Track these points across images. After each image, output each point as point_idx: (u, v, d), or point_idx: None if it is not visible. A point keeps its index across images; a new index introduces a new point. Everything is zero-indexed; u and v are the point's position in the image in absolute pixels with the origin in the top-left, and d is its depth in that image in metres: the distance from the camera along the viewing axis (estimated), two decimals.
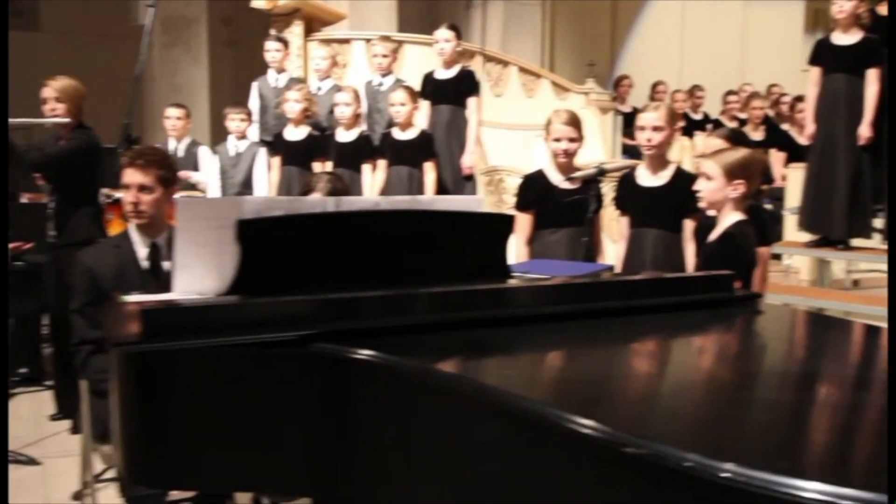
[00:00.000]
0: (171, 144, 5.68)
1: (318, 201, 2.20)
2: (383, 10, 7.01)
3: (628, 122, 8.07)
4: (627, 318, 1.79)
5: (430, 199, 2.72)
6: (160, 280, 2.83)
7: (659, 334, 1.77)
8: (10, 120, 3.87)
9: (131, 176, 2.76)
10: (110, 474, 2.98)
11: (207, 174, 5.41)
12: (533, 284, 1.98)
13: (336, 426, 1.47)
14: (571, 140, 3.40)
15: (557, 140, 3.40)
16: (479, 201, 2.41)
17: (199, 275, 2.15)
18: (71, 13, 9.81)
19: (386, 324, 1.67)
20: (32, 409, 4.47)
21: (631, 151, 7.79)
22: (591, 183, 3.30)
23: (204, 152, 5.41)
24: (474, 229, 2.28)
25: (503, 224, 2.38)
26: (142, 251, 2.82)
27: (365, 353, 1.38)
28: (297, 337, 1.57)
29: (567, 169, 3.44)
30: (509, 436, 1.12)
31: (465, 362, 1.49)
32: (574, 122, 3.42)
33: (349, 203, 2.35)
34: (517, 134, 6.13)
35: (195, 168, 5.29)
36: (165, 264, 2.85)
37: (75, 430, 4.05)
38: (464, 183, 5.11)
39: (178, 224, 2.15)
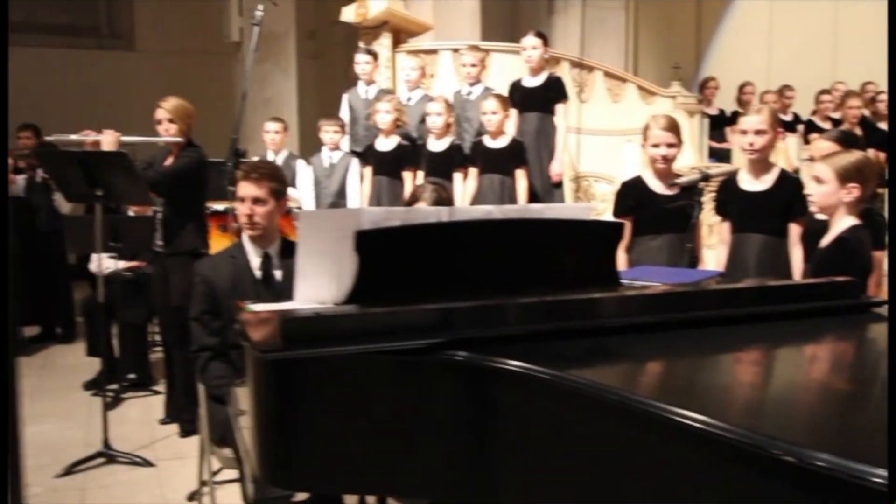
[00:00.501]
0: (269, 157, 5.87)
1: (432, 211, 2.24)
2: (467, 20, 7.07)
3: (715, 125, 7.93)
4: (752, 325, 1.78)
5: (540, 207, 2.74)
6: (272, 289, 2.94)
7: (786, 341, 1.75)
8: (127, 138, 4.07)
9: (246, 189, 2.87)
10: (226, 475, 3.09)
11: (302, 187, 5.56)
12: (655, 292, 1.99)
13: (474, 433, 1.51)
14: (670, 145, 3.38)
15: (656, 146, 3.38)
16: (588, 209, 2.43)
17: (318, 284, 2.23)
18: (165, 33, 10.21)
19: (513, 331, 1.70)
20: (142, 412, 4.67)
21: (718, 155, 7.64)
22: (692, 188, 3.27)
23: (300, 165, 5.56)
24: (585, 237, 2.30)
25: (613, 231, 2.39)
26: (255, 261, 2.93)
27: (514, 364, 1.41)
28: (429, 345, 1.62)
29: (666, 175, 3.41)
30: (660, 448, 1.13)
31: (601, 371, 1.50)
32: (673, 127, 3.39)
33: (462, 212, 2.40)
34: (604, 139, 6.09)
35: (293, 180, 5.44)
36: (277, 273, 2.96)
37: (184, 433, 4.22)
38: (553, 190, 5.11)
39: (299, 235, 2.23)
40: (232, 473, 3.05)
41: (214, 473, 3.16)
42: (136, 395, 4.96)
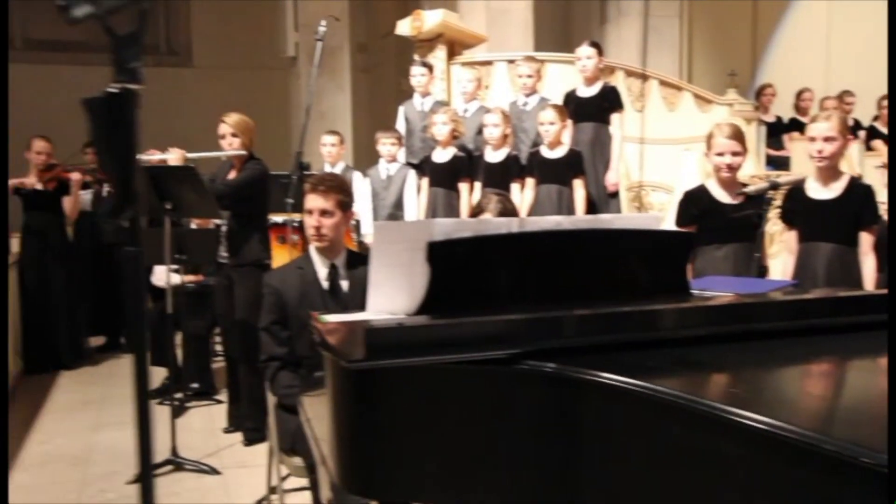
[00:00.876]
0: (326, 169, 5.96)
1: (502, 222, 2.26)
2: (520, 30, 7.09)
3: (772, 133, 7.81)
4: (826, 336, 1.75)
5: (610, 217, 2.74)
6: (339, 299, 2.98)
7: (865, 352, 1.72)
8: (192, 154, 4.18)
9: (314, 201, 2.92)
10: (293, 483, 3.14)
11: (358, 199, 5.62)
12: (731, 302, 1.97)
13: (558, 444, 1.51)
14: (735, 154, 3.34)
15: (720, 154, 3.34)
16: (659, 219, 2.42)
17: (390, 294, 2.26)
18: (221, 49, 10.45)
19: (593, 341, 1.71)
20: (205, 421, 4.75)
21: (776, 162, 7.52)
22: (758, 197, 3.23)
23: (357, 177, 5.64)
24: (655, 247, 2.29)
25: (684, 241, 2.38)
26: (322, 272, 2.98)
27: (607, 377, 1.41)
28: (511, 355, 1.64)
29: (730, 184, 3.38)
30: (762, 462, 1.12)
31: (693, 382, 1.50)
32: (738, 135, 3.35)
33: (532, 223, 2.41)
34: (660, 148, 6.04)
35: None
36: (343, 284, 3.00)
37: (248, 442, 4.29)
38: (609, 200, 5.09)
39: (372, 246, 2.27)
40: (300, 482, 3.10)
41: (283, 479, 3.21)
42: (199, 404, 5.06)
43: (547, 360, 1.63)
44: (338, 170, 5.50)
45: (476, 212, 2.96)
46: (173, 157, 4.17)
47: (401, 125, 5.66)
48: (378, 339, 1.63)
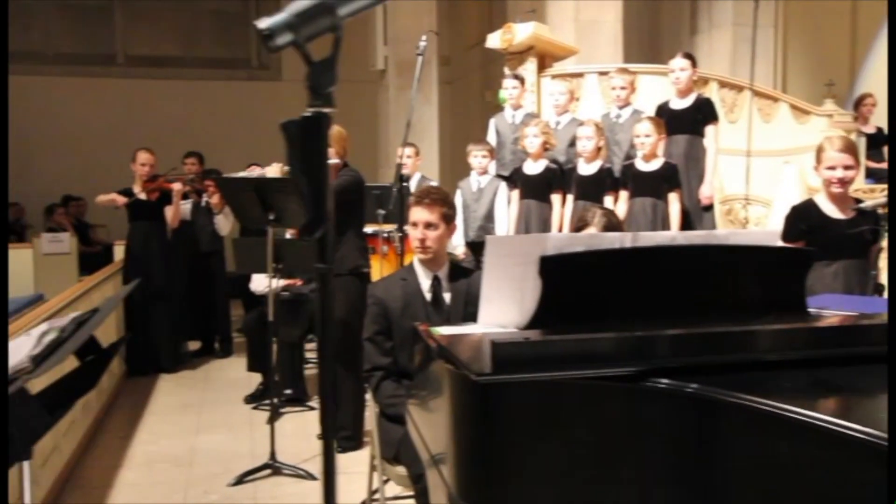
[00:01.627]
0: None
1: (615, 237, 2.25)
2: (609, 42, 7.05)
3: (872, 145, 7.52)
4: None
5: (725, 233, 2.69)
6: (441, 311, 3.01)
7: None
8: (289, 168, 4.29)
9: (419, 214, 2.97)
10: (392, 491, 3.17)
11: None
12: (857, 323, 1.91)
13: (687, 462, 1.50)
14: (847, 168, 3.24)
15: (832, 168, 3.25)
16: (775, 235, 2.37)
17: (501, 308, 2.28)
18: None
19: (718, 360, 1.69)
20: (299, 427, 4.86)
21: (876, 175, 7.24)
22: (872, 213, 3.13)
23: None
24: (773, 263, 2.25)
25: (802, 259, 2.33)
26: (425, 283, 3.02)
27: (752, 399, 1.38)
28: (637, 372, 1.63)
29: (842, 199, 3.28)
30: None
31: (834, 406, 1.46)
32: (850, 148, 3.26)
33: (646, 238, 2.40)
34: (754, 161, 5.90)
35: None
36: (446, 296, 3.03)
37: (342, 449, 4.36)
38: (703, 214, 5.00)
39: (485, 260, 2.29)
40: (398, 489, 3.14)
41: (380, 486, 3.25)
42: (293, 410, 5.17)
43: (666, 377, 1.63)
44: (415, 181, 5.55)
45: (579, 226, 2.95)
46: (273, 170, 4.30)
47: (491, 137, 5.69)
48: (505, 353, 1.64)
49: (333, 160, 4.30)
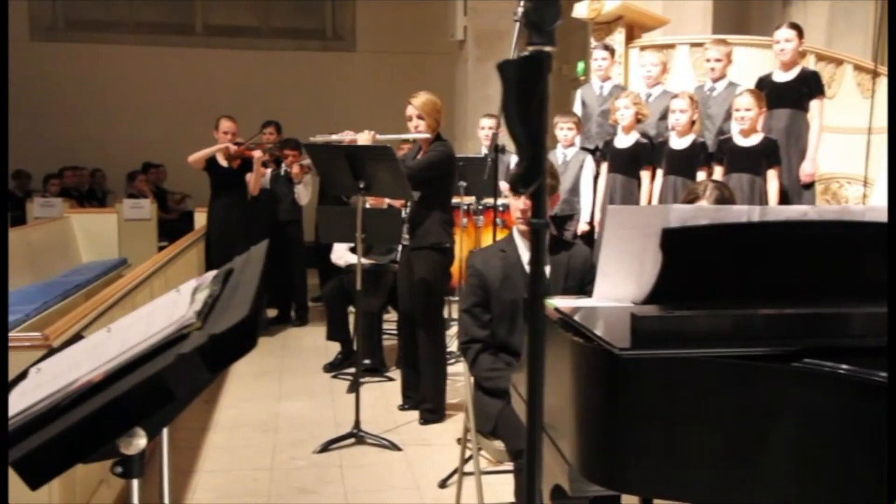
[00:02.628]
0: (483, 152, 5.95)
1: (742, 210, 2.13)
2: (698, 13, 6.79)
3: None
4: None
5: (861, 209, 2.54)
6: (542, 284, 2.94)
7: None
8: (382, 136, 4.24)
9: None
10: (484, 465, 3.13)
11: None
12: None
13: (839, 449, 1.40)
14: None
15: None
16: None
17: (618, 282, 2.18)
18: (384, 34, 10.65)
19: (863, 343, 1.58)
20: (378, 397, 4.85)
21: None
22: None
23: (513, 159, 5.58)
24: None
25: None
26: (525, 256, 2.94)
27: None
28: (786, 352, 1.53)
29: None
30: None
31: None
32: None
33: (775, 212, 2.27)
34: (854, 138, 5.63)
35: (506, 173, 5.48)
36: (546, 268, 2.95)
37: (424, 421, 4.34)
38: (802, 192, 4.79)
39: (605, 232, 2.20)
40: (486, 464, 3.10)
41: (467, 460, 3.21)
42: (371, 381, 5.16)
43: (821, 358, 1.53)
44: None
45: (690, 199, 2.82)
46: (364, 137, 4.24)
47: (577, 109, 5.55)
48: (648, 327, 1.56)
49: (425, 134, 4.23)
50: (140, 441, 1.07)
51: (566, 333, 1.81)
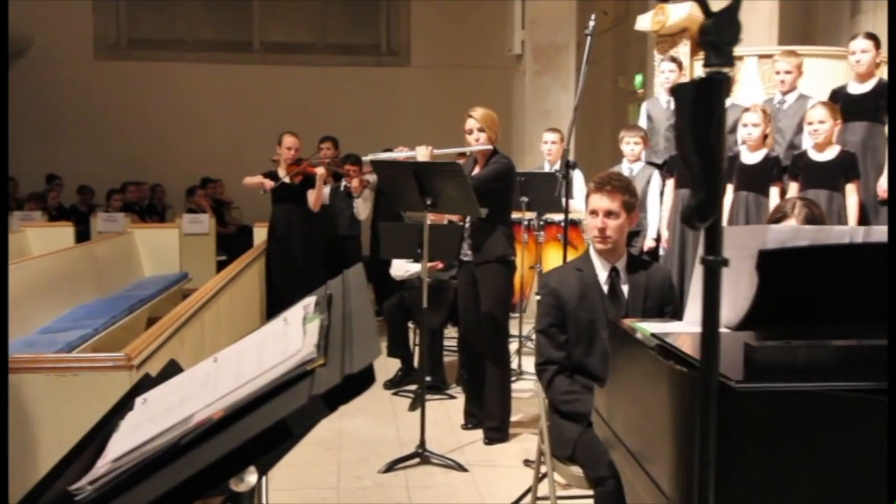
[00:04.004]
0: (546, 167, 5.88)
1: (844, 230, 2.04)
2: (763, 23, 6.63)
3: None
4: None
5: None
6: (619, 303, 2.85)
7: None
8: (439, 151, 4.20)
9: (599, 201, 2.81)
10: (562, 492, 3.04)
11: (580, 197, 5.50)
12: None
13: None
14: None
15: None
16: None
17: None
18: (437, 48, 10.68)
19: None
20: (441, 416, 4.79)
21: None
22: None
23: (577, 175, 5.51)
24: None
25: None
26: (602, 275, 2.86)
27: None
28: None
29: None
30: None
31: None
32: None
33: (879, 234, 2.16)
34: None
35: (570, 188, 5.40)
36: (624, 288, 2.87)
37: (489, 441, 4.27)
38: (880, 209, 4.61)
39: (699, 253, 2.12)
40: (567, 489, 3.01)
41: (539, 480, 3.13)
42: (432, 398, 5.09)
43: None
44: (557, 167, 5.38)
45: (777, 217, 2.72)
46: (422, 152, 4.21)
47: (643, 123, 5.45)
48: (763, 359, 1.48)
49: (486, 145, 4.19)
50: (251, 478, 1.03)
51: (666, 361, 1.73)
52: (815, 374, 1.49)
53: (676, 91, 0.82)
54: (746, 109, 4.67)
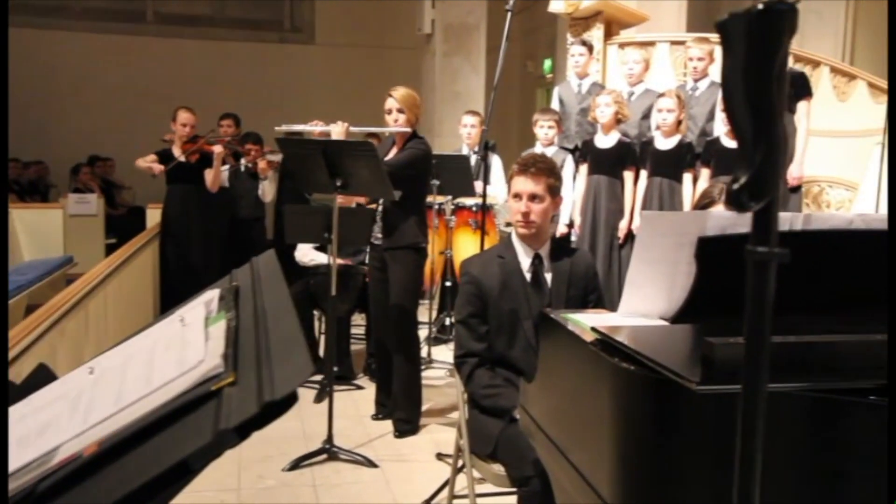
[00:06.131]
0: (464, 151, 5.72)
1: (785, 217, 1.94)
2: (672, 10, 6.67)
3: None
4: None
5: None
6: (542, 292, 2.71)
7: None
8: (356, 128, 3.97)
9: (522, 184, 2.66)
10: (480, 488, 2.89)
11: (497, 182, 5.38)
12: None
13: None
14: None
15: None
16: None
17: (647, 294, 1.97)
18: (343, 27, 10.35)
19: None
20: (349, 407, 4.58)
21: None
22: None
23: (495, 159, 5.39)
24: None
25: None
26: (525, 262, 2.72)
27: None
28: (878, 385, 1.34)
29: None
30: None
31: None
32: None
33: (820, 220, 2.08)
34: (831, 141, 5.56)
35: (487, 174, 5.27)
36: (547, 276, 2.73)
37: (399, 433, 4.09)
38: (790, 195, 4.68)
39: (637, 239, 1.99)
40: (484, 487, 2.87)
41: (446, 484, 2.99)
42: (340, 389, 4.87)
43: None
44: (476, 150, 5.24)
45: (705, 203, 2.63)
46: (336, 129, 3.97)
47: (555, 107, 5.36)
48: (723, 357, 1.35)
49: (405, 128, 3.99)
50: None
51: (609, 359, 1.59)
52: (780, 373, 1.37)
53: (725, 25, 0.65)
54: (661, 95, 4.64)
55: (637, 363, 1.52)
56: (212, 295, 1.09)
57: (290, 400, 0.65)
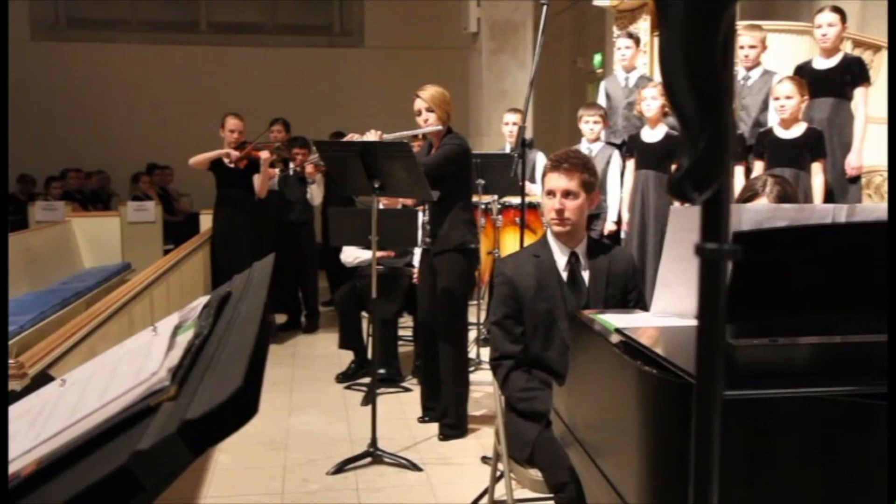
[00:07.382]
0: (507, 149, 5.65)
1: (827, 209, 1.83)
2: None
3: None
4: None
5: None
6: (579, 291, 2.63)
7: None
8: (389, 136, 3.93)
9: (556, 181, 2.58)
10: (520, 494, 2.82)
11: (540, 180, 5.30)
12: None
13: None
14: None
15: None
16: None
17: (679, 293, 1.89)
18: (392, 29, 10.36)
19: None
20: (395, 410, 4.56)
21: None
22: None
23: (539, 157, 5.31)
24: None
25: None
26: (561, 260, 2.64)
27: None
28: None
29: None
30: None
31: None
32: None
33: (866, 212, 1.97)
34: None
35: (531, 171, 5.19)
36: (584, 274, 2.65)
37: (444, 437, 4.05)
38: (848, 186, 4.47)
39: (668, 235, 1.91)
40: (523, 492, 2.80)
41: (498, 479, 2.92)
42: (387, 391, 4.86)
43: None
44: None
45: (748, 196, 2.52)
46: (370, 138, 3.94)
47: (601, 102, 5.24)
48: (747, 361, 1.27)
49: (436, 126, 3.94)
50: None
51: (632, 361, 1.51)
52: (804, 377, 1.29)
53: None
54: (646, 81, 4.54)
55: (661, 367, 1.45)
56: (199, 302, 1.06)
57: (234, 415, 0.60)
